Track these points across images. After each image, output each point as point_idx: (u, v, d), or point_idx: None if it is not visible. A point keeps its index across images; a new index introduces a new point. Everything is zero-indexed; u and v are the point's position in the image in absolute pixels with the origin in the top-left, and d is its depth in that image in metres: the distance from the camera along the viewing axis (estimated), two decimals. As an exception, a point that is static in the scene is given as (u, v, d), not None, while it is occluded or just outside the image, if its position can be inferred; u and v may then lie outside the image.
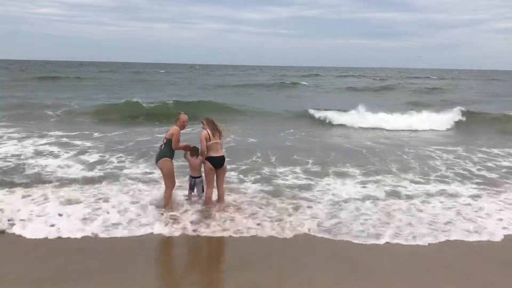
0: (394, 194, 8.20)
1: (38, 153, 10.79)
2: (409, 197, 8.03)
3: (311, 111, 19.80)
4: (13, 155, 10.49)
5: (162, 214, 6.74)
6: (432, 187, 8.70)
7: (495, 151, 12.55)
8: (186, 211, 6.92)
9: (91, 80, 43.34)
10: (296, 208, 7.26)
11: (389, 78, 68.08)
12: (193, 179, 7.34)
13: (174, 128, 6.90)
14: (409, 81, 59.01)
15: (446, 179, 9.36)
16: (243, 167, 9.74)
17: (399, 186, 8.74)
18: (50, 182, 8.35)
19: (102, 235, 6.03)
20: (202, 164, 7.13)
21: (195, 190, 7.40)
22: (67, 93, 28.57)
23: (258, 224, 6.52)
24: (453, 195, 8.20)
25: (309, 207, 7.32)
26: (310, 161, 10.61)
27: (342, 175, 9.41)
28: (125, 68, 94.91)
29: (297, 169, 9.80)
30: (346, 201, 7.70)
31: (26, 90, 30.28)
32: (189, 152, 7.23)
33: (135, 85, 38.70)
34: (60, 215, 6.64)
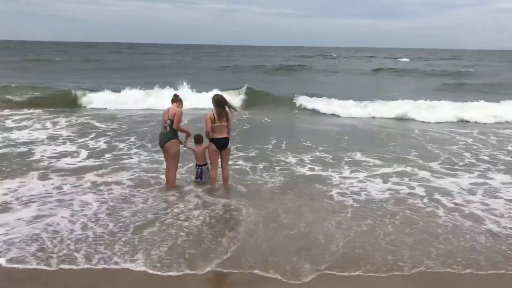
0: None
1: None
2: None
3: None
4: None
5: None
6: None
7: None
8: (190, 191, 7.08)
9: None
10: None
11: (409, 59, 65.61)
12: (199, 167, 7.36)
13: (176, 108, 6.83)
14: (430, 63, 56.25)
15: None
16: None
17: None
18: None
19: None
20: (206, 150, 7.18)
21: (203, 177, 7.39)
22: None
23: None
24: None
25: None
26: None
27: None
28: (129, 49, 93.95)
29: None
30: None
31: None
32: (192, 140, 7.28)
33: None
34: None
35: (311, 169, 8.53)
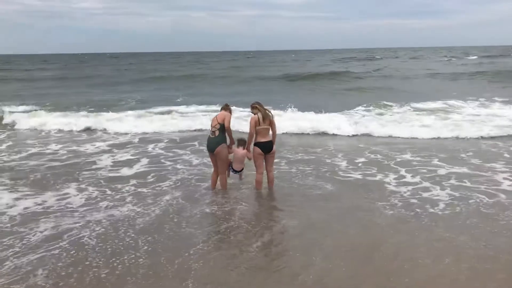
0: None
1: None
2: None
3: None
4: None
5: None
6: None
7: None
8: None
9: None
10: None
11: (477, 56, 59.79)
12: (234, 172, 7.30)
13: (225, 113, 6.95)
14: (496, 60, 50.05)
15: None
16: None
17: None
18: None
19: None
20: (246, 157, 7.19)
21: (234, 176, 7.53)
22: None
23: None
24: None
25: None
26: None
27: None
28: (177, 57, 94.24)
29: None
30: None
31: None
32: (235, 143, 7.20)
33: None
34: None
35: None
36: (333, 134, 12.17)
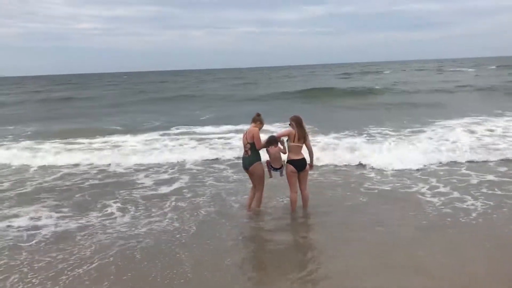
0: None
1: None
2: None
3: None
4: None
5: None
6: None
7: None
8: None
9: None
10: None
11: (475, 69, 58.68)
12: (273, 169, 7.07)
13: (252, 129, 6.78)
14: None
15: None
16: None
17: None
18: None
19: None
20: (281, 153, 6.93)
21: (276, 175, 7.21)
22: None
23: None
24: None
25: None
26: None
27: None
28: (176, 76, 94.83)
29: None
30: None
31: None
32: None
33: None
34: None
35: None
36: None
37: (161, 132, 15.57)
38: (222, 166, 10.49)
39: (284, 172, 7.00)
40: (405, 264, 5.05)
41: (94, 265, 5.30)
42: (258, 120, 6.91)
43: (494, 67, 59.76)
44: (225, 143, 13.03)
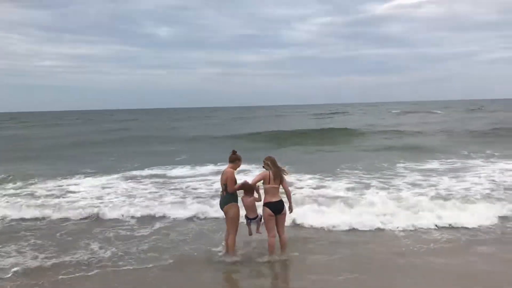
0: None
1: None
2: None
3: None
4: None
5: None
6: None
7: None
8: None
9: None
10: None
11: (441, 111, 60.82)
12: (249, 221, 6.80)
13: (227, 171, 6.60)
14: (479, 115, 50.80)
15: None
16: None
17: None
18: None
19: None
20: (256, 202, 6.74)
21: (253, 229, 6.92)
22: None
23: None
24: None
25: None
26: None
27: None
28: (146, 114, 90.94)
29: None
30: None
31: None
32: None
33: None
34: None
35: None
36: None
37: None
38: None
39: (261, 223, 6.76)
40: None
41: None
42: (235, 159, 6.71)
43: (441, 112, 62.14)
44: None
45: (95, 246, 7.56)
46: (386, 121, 44.54)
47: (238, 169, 6.86)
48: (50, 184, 13.19)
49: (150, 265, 6.63)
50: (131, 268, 6.55)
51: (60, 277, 6.26)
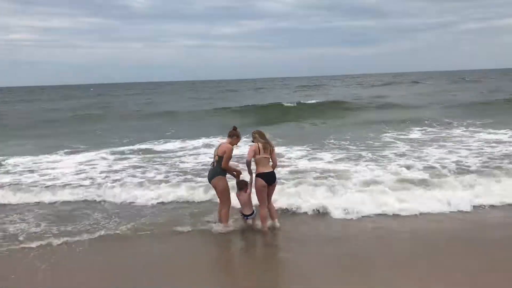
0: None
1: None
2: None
3: None
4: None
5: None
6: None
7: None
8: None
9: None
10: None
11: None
12: (245, 217, 6.84)
13: (226, 146, 6.63)
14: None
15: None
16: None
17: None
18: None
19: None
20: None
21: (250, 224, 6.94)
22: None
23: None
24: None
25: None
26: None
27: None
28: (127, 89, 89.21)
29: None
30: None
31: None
32: (240, 176, 6.89)
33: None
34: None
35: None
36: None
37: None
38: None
39: (256, 223, 6.84)
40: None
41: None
42: (234, 135, 6.76)
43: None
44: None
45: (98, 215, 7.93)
46: (372, 92, 44.27)
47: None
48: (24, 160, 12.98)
49: (139, 233, 6.82)
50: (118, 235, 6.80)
51: None
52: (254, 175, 6.66)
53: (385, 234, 6.70)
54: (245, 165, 6.68)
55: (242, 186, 6.79)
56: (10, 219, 7.79)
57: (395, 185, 8.58)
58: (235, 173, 6.88)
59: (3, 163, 12.66)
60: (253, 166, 6.72)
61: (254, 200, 6.82)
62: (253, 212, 6.84)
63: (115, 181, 10.05)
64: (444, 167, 10.10)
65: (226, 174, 6.73)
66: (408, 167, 10.13)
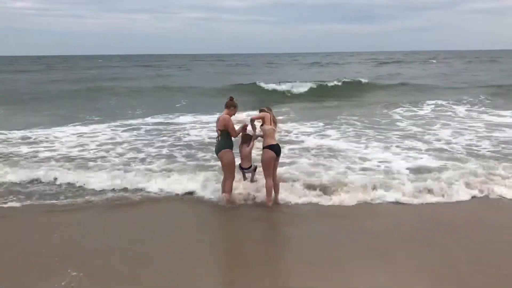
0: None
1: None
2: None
3: None
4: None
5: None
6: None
7: None
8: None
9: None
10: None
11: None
12: (244, 170, 7.07)
13: (224, 117, 6.68)
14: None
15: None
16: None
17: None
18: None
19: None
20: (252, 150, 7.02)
21: (251, 178, 7.22)
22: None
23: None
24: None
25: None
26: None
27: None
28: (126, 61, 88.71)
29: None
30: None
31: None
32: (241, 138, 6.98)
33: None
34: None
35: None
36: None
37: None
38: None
39: (255, 172, 7.10)
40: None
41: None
42: (231, 105, 6.76)
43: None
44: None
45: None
46: (387, 70, 43.07)
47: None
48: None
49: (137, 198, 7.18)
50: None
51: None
52: (256, 142, 7.01)
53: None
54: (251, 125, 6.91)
55: (246, 140, 6.97)
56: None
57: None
58: (243, 131, 7.04)
59: (10, 135, 12.36)
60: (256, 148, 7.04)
61: (254, 155, 7.12)
62: (251, 166, 7.03)
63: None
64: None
65: (232, 147, 6.82)
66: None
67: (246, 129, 6.99)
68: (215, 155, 7.12)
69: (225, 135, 6.72)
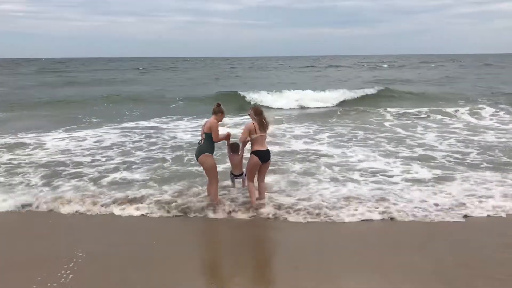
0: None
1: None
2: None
3: None
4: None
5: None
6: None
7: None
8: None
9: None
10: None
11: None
12: (235, 177, 7.23)
13: (211, 121, 6.74)
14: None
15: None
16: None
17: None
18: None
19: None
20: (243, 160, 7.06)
21: (237, 182, 7.36)
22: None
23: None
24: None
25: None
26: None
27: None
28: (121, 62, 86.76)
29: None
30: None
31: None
32: (229, 148, 7.07)
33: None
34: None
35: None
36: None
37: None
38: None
39: (245, 178, 7.07)
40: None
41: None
42: (219, 112, 6.82)
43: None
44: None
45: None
46: (386, 75, 42.44)
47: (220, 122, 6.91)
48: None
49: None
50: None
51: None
52: (244, 152, 6.93)
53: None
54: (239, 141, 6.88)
55: (235, 148, 7.01)
56: None
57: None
58: (226, 140, 7.04)
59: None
60: (247, 147, 6.87)
61: (244, 163, 7.08)
62: (243, 173, 7.11)
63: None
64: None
65: (213, 151, 6.84)
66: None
67: (229, 137, 7.02)
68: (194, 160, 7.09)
69: (209, 138, 6.72)
